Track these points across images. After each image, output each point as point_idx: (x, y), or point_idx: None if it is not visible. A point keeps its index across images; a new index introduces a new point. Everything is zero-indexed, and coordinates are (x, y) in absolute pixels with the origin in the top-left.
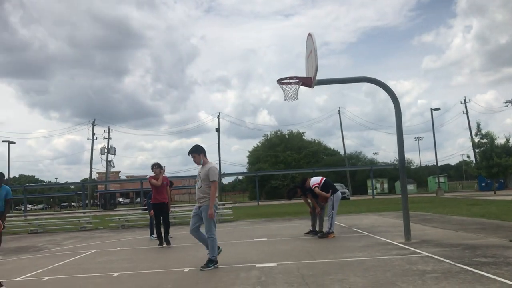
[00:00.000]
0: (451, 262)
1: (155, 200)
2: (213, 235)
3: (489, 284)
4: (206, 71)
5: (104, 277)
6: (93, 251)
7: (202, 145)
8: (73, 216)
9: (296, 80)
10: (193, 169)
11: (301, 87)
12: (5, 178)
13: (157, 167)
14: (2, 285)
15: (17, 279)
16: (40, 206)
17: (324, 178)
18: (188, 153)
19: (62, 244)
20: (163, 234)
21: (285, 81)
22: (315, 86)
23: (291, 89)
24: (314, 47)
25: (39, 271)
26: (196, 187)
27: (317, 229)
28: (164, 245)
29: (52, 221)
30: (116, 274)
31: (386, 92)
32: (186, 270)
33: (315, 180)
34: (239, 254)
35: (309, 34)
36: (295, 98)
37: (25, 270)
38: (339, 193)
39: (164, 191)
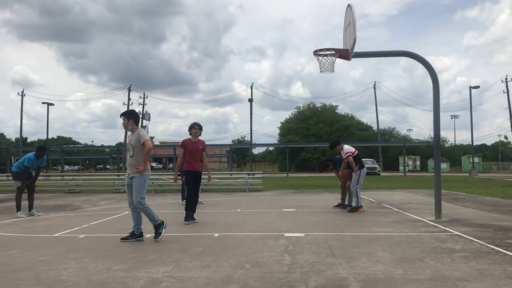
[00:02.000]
0: (482, 242)
1: (189, 167)
2: (144, 205)
3: None
4: (242, 40)
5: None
6: (126, 212)
7: (233, 114)
8: (108, 178)
9: (333, 52)
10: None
11: (338, 59)
12: (46, 150)
13: (198, 128)
14: None
15: (54, 235)
16: (76, 167)
17: (357, 151)
18: (120, 115)
19: (97, 204)
20: (192, 210)
21: (321, 52)
22: (352, 59)
23: (327, 61)
24: (353, 19)
25: (75, 228)
26: (128, 156)
27: (346, 202)
28: (189, 222)
29: (88, 182)
30: (148, 236)
31: (425, 67)
32: (216, 235)
33: (348, 148)
34: (267, 223)
35: (349, 5)
36: (331, 70)
37: (62, 227)
38: (365, 169)
39: (198, 157)
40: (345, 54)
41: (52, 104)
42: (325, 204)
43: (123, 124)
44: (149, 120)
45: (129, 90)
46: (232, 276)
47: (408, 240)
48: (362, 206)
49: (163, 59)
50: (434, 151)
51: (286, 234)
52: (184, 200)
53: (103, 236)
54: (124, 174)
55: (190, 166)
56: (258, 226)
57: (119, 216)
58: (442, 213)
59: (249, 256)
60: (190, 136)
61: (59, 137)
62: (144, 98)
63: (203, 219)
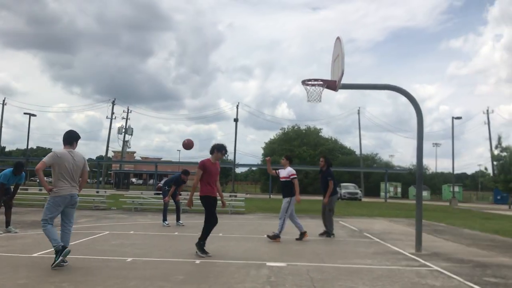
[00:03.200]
0: (461, 280)
1: (210, 191)
2: (44, 226)
3: None
4: (230, 58)
5: (118, 261)
6: (107, 232)
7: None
8: (87, 194)
9: (321, 83)
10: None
11: (325, 89)
12: (24, 167)
13: (225, 152)
14: None
15: (33, 255)
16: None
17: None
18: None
19: (76, 222)
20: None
21: (309, 82)
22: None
23: (315, 90)
24: (341, 52)
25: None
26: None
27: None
28: (206, 255)
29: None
30: (129, 260)
31: (411, 103)
32: (198, 262)
33: (292, 171)
34: (249, 250)
35: (338, 38)
36: (318, 100)
37: (41, 246)
38: (294, 198)
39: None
40: (332, 85)
41: (34, 115)
42: (307, 230)
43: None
44: (131, 134)
45: (113, 103)
46: None
47: (388, 275)
48: (279, 237)
49: (149, 74)
50: (416, 186)
51: (268, 264)
52: (166, 222)
53: (83, 258)
54: (103, 191)
55: (211, 191)
56: (240, 253)
57: (99, 235)
58: (423, 245)
59: (231, 287)
60: (209, 157)
61: (38, 148)
62: (127, 113)
63: (184, 244)
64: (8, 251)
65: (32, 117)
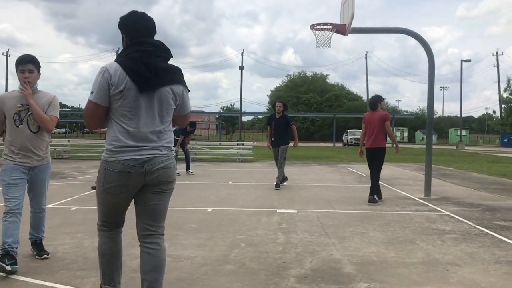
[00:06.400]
0: (471, 223)
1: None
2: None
3: (508, 250)
4: (235, 3)
5: (130, 211)
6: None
7: (223, 80)
8: (97, 144)
9: (330, 27)
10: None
11: (334, 34)
12: None
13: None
14: None
15: (47, 206)
16: (63, 130)
17: None
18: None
19: (87, 172)
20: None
21: (318, 27)
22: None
23: (324, 35)
24: None
25: (67, 199)
26: (27, 130)
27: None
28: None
29: (76, 148)
30: None
31: (423, 47)
32: (209, 210)
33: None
34: (260, 198)
35: None
36: (327, 45)
37: (54, 198)
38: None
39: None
40: (342, 29)
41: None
42: (316, 177)
43: (25, 79)
44: None
45: (117, 53)
46: (228, 256)
47: (399, 220)
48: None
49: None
50: (426, 132)
51: (278, 211)
52: (176, 171)
53: (94, 209)
54: None
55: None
56: (251, 201)
57: None
58: (431, 190)
59: (243, 234)
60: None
61: None
62: None
63: (195, 192)
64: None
65: None
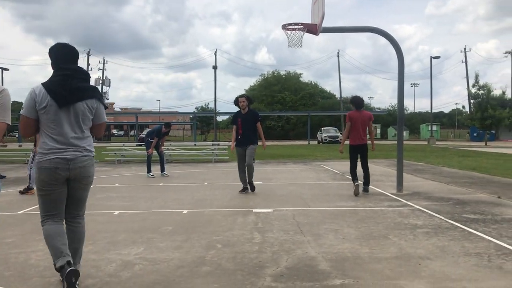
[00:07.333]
0: (441, 217)
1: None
2: None
3: (477, 242)
4: (207, 4)
5: (105, 215)
6: (91, 186)
7: (197, 80)
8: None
9: (301, 27)
10: (189, 105)
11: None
12: None
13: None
14: None
15: (18, 212)
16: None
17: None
18: None
19: None
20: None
21: (290, 27)
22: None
23: (295, 35)
24: None
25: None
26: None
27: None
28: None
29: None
30: (116, 213)
31: (393, 46)
32: (185, 211)
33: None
34: (236, 198)
35: None
36: (299, 45)
37: (25, 203)
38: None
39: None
40: (313, 29)
41: (7, 69)
42: (291, 176)
43: None
44: (109, 86)
45: (88, 54)
46: (205, 258)
47: (372, 216)
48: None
49: (125, 22)
50: (397, 128)
51: (254, 210)
52: (151, 173)
53: None
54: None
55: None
56: (227, 202)
57: None
58: (403, 185)
59: (220, 235)
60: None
61: (14, 102)
62: (104, 64)
63: (171, 194)
64: None
65: (4, 71)
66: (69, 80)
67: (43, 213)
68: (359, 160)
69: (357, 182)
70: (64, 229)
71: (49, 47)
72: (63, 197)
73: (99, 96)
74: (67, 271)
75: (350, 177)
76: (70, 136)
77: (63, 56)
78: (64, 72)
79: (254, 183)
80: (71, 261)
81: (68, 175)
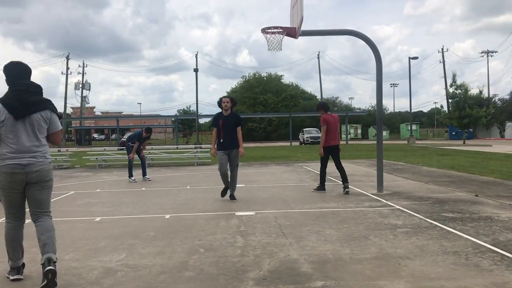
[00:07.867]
0: (421, 217)
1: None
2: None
3: (455, 241)
4: (188, 6)
5: (86, 222)
6: (72, 192)
7: (179, 83)
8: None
9: (281, 30)
10: (170, 107)
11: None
12: None
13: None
14: None
15: None
16: None
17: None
18: None
19: None
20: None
21: (269, 30)
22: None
23: (275, 39)
24: None
25: None
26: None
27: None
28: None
29: None
30: (97, 219)
31: (370, 48)
32: (167, 216)
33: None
34: (218, 202)
35: None
36: (278, 48)
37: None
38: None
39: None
40: (292, 32)
41: None
42: (273, 178)
43: None
44: (89, 90)
45: (68, 58)
46: (187, 263)
47: (353, 216)
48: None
49: (105, 25)
50: (377, 128)
51: (237, 213)
52: (132, 178)
53: None
54: (66, 148)
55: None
56: (209, 205)
57: (65, 196)
58: (384, 185)
59: (202, 240)
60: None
61: None
62: (83, 68)
63: (152, 199)
64: None
65: None
66: (23, 95)
67: (6, 211)
68: (330, 162)
69: (324, 191)
70: (23, 229)
71: (3, 65)
72: (21, 198)
73: (52, 107)
74: (14, 277)
75: (319, 180)
76: (27, 145)
77: (17, 73)
78: (19, 87)
79: (237, 185)
80: (21, 269)
81: (26, 179)
